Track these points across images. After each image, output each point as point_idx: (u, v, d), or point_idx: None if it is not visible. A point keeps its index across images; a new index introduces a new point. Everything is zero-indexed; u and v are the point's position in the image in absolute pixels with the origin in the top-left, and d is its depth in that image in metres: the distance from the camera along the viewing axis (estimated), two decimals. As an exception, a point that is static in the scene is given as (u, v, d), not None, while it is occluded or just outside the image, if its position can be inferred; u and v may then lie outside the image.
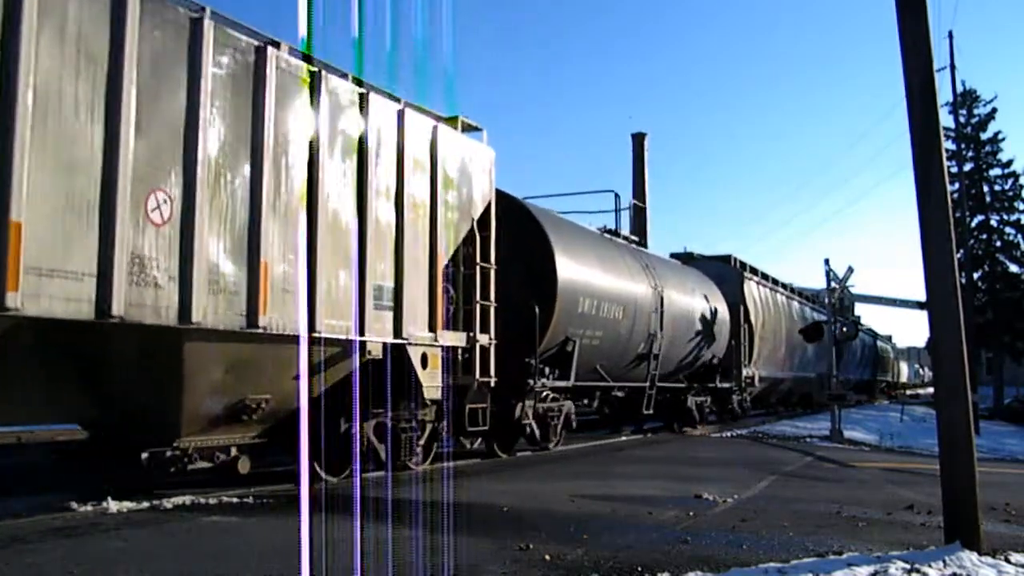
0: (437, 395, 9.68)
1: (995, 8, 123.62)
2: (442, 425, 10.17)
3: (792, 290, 30.77)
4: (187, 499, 7.30)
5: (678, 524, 7.02)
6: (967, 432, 6.02)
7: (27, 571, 4.79)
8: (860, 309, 43.85)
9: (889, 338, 65.53)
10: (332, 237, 8.08)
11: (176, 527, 6.25)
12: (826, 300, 23.60)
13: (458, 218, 10.25)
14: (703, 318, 18.92)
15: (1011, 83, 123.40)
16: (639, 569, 5.26)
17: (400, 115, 9.27)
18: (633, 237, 17.86)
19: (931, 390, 36.82)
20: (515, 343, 11.64)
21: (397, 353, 9.08)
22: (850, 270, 22.80)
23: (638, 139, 38.62)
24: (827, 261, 22.66)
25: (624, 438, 17.34)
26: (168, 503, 7.12)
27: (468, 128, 11.08)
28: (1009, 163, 43.31)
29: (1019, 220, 43.13)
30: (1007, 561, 5.64)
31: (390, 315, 8.89)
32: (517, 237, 12.19)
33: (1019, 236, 43.14)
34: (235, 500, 7.51)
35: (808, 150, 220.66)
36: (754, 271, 25.59)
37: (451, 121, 10.65)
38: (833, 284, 22.62)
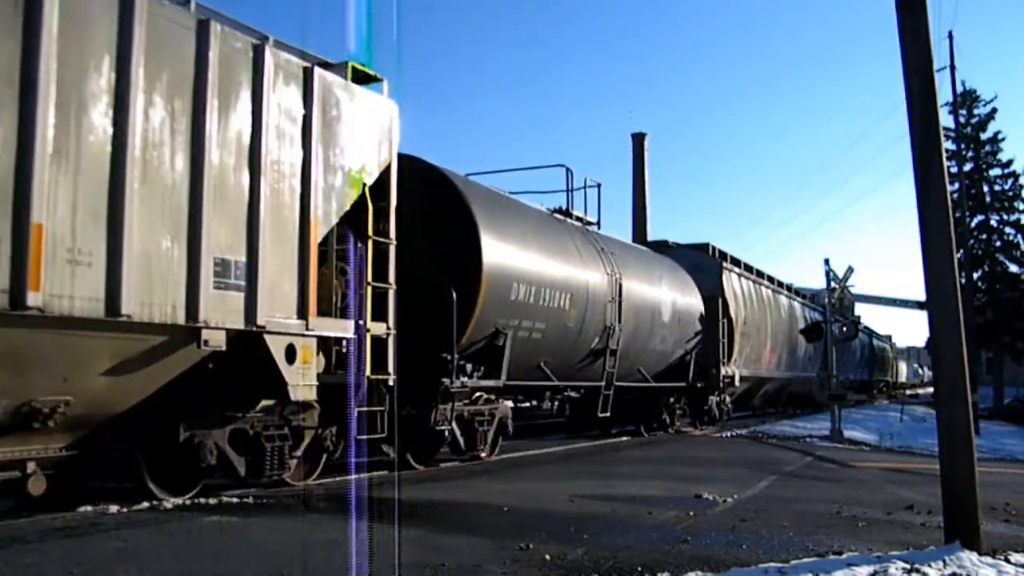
0: (310, 395, 7.84)
1: (995, 8, 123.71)
2: (327, 432, 8.58)
3: (780, 284, 28.95)
4: (187, 499, 7.29)
5: (678, 524, 7.02)
6: (967, 432, 6.02)
7: (27, 571, 4.79)
8: (860, 309, 43.85)
9: (889, 338, 65.52)
10: (151, 195, 6.35)
11: (176, 527, 6.25)
12: (826, 300, 23.52)
13: (343, 183, 8.39)
14: (673, 310, 17.20)
15: (1011, 83, 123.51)
16: (639, 569, 5.26)
17: (257, 51, 7.38)
18: (589, 218, 15.74)
19: (931, 390, 36.87)
20: (429, 335, 10.08)
21: (254, 344, 7.32)
22: (850, 270, 22.82)
23: (638, 139, 38.65)
24: (827, 261, 22.67)
25: (625, 438, 17.30)
26: (168, 503, 7.12)
27: (364, 78, 9.05)
28: (1009, 163, 43.32)
29: (1019, 220, 43.13)
30: (1007, 561, 5.64)
31: (240, 296, 7.07)
32: (434, 211, 10.69)
33: (1019, 236, 43.14)
34: (235, 500, 7.51)
35: (808, 150, 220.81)
36: (736, 262, 23.77)
37: (340, 68, 8.78)
38: (833, 284, 22.60)
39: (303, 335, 7.75)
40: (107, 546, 5.48)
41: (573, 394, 14.62)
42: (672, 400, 18.71)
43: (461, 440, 10.99)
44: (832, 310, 23.14)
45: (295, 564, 5.10)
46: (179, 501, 7.21)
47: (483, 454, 11.59)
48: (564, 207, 14.88)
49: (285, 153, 7.66)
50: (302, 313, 7.72)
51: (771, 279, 27.73)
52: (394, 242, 9.04)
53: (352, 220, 8.63)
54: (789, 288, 30.34)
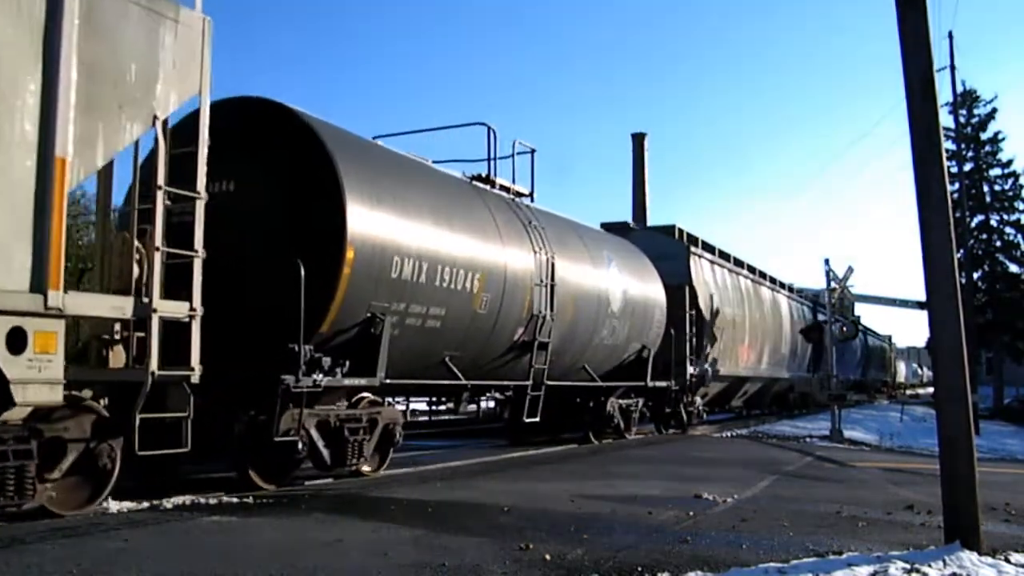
0: (49, 396, 5.91)
1: (995, 8, 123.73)
2: (105, 446, 6.64)
3: (764, 276, 27.05)
4: (187, 499, 7.30)
5: (678, 524, 7.02)
6: (967, 432, 6.02)
7: (27, 571, 4.79)
8: (860, 309, 43.87)
9: (889, 338, 65.52)
10: None
11: (176, 527, 6.26)
12: (826, 299, 23.49)
13: (121, 105, 6.51)
14: (625, 299, 14.81)
15: (1011, 83, 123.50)
16: (639, 569, 5.26)
17: None
18: (520, 188, 13.27)
19: (931, 390, 36.91)
20: (273, 321, 7.96)
21: None
22: (850, 270, 22.83)
23: (638, 139, 38.71)
24: (827, 261, 22.69)
25: (629, 438, 17.28)
26: (168, 503, 7.13)
27: None
28: (1009, 163, 43.40)
29: (1019, 220, 43.21)
30: (1007, 561, 5.64)
31: None
32: (281, 164, 8.59)
33: (1019, 236, 43.21)
34: (235, 500, 7.52)
35: (808, 150, 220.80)
36: (708, 248, 21.84)
37: None
38: (833, 284, 22.61)
39: (41, 315, 5.86)
40: (107, 546, 5.48)
41: (498, 395, 12.94)
42: (628, 402, 16.16)
43: (325, 453, 8.72)
44: (832, 310, 23.07)
45: (295, 564, 5.10)
46: (179, 501, 7.21)
47: (366, 468, 9.57)
48: (486, 174, 12.55)
49: (10, 69, 5.73)
50: (39, 285, 5.83)
51: (752, 269, 25.68)
52: (203, 196, 7.17)
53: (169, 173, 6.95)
54: (774, 281, 28.52)
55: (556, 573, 5.14)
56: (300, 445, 8.30)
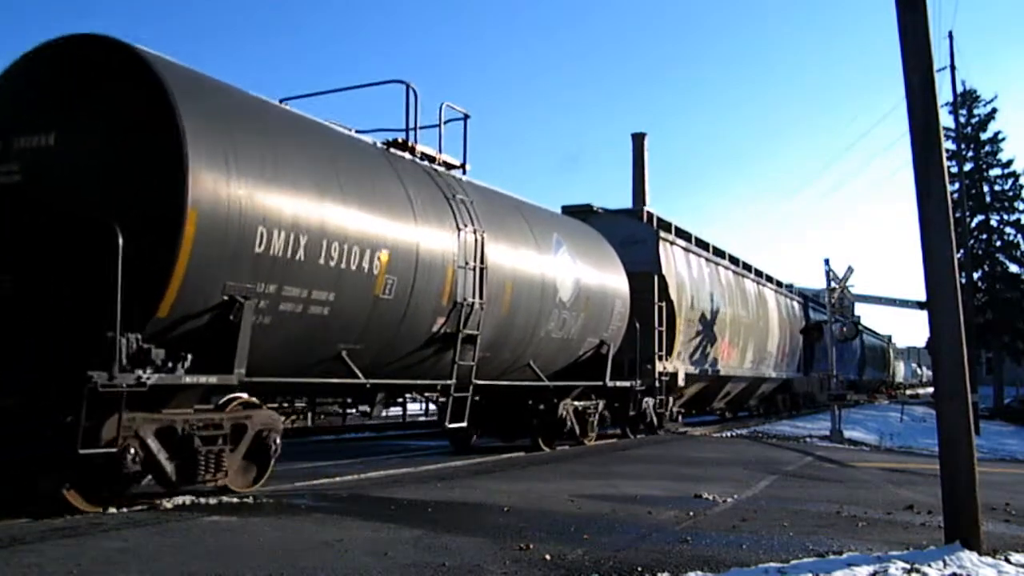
0: None
1: (995, 8, 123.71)
2: None
3: (749, 268, 25.24)
4: (187, 499, 7.29)
5: (678, 524, 7.02)
6: (967, 432, 6.02)
7: (27, 571, 4.79)
8: (860, 309, 43.83)
9: (889, 338, 65.52)
10: None
11: (176, 527, 6.25)
12: (826, 300, 23.47)
13: None
14: (578, 288, 13.16)
15: (1011, 83, 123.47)
16: (639, 569, 5.26)
17: None
18: (449, 158, 11.49)
19: (930, 390, 36.92)
20: (93, 302, 6.49)
21: None
22: (850, 270, 22.82)
23: (638, 139, 38.66)
24: (827, 261, 22.69)
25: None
26: (168, 503, 7.12)
27: None
28: (1009, 163, 43.50)
29: (1019, 220, 43.27)
30: (1007, 561, 5.64)
31: None
32: (108, 107, 7.02)
33: (1019, 236, 43.26)
34: (235, 500, 7.51)
35: (808, 150, 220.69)
36: (683, 234, 19.93)
37: None
38: (833, 284, 22.60)
39: None
40: (107, 546, 5.47)
41: (430, 396, 11.64)
42: (584, 405, 14.35)
43: (168, 467, 7.06)
44: (832, 310, 23.04)
45: (295, 564, 5.10)
46: (179, 501, 7.21)
47: (233, 484, 7.77)
48: (404, 139, 10.72)
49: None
50: None
51: (736, 260, 23.82)
52: None
53: None
54: (760, 274, 26.58)
55: (556, 573, 5.14)
56: (130, 457, 6.61)
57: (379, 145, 10.36)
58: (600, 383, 14.25)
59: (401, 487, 8.78)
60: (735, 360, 22.43)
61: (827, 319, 23.38)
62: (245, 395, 8.04)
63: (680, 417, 19.76)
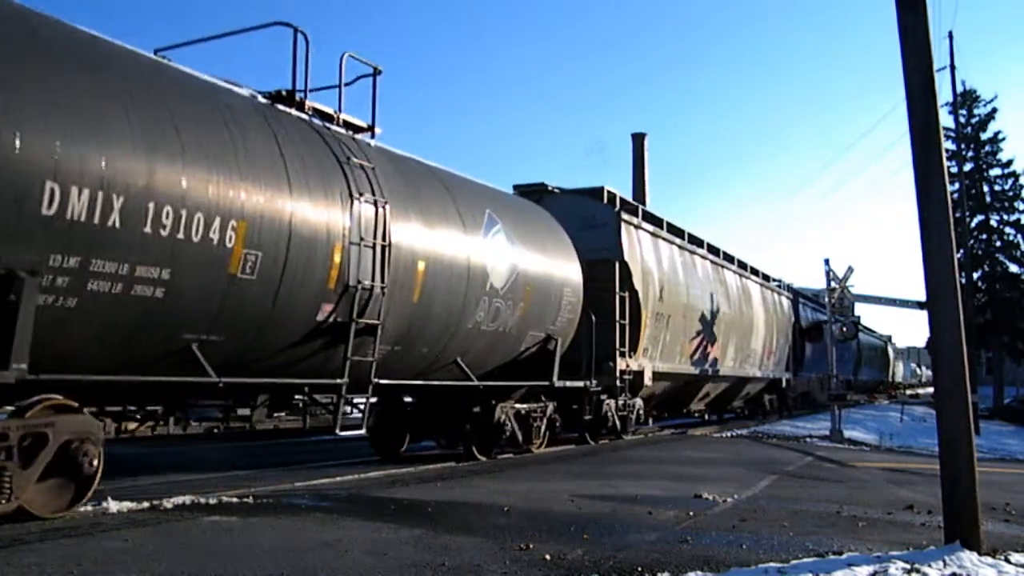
0: None
1: (995, 8, 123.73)
2: None
3: (732, 260, 23.33)
4: (187, 499, 7.30)
5: (678, 524, 7.02)
6: (967, 432, 6.02)
7: (27, 571, 4.79)
8: (860, 309, 43.79)
9: (888, 338, 65.52)
10: None
11: (176, 527, 6.25)
12: (826, 300, 23.44)
13: None
14: (514, 273, 11.45)
15: (1011, 83, 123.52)
16: (639, 569, 5.26)
17: None
18: (351, 118, 9.82)
19: (930, 390, 36.83)
20: None
21: None
22: (850, 270, 22.82)
23: (638, 139, 38.72)
24: (827, 261, 22.69)
25: (626, 438, 17.21)
26: (168, 503, 7.13)
27: None
28: (1009, 163, 43.48)
29: (1019, 220, 43.25)
30: (1007, 561, 5.65)
31: None
32: None
33: (1019, 236, 43.25)
34: (235, 500, 7.51)
35: (808, 149, 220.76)
36: (652, 218, 18.10)
37: None
38: (833, 284, 22.60)
39: None
40: (107, 546, 5.48)
41: (322, 398, 9.46)
42: (529, 407, 12.67)
43: None
44: (832, 310, 23.02)
45: (295, 564, 5.10)
46: (179, 501, 7.21)
47: (37, 510, 6.25)
48: (291, 92, 9.06)
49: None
50: None
51: (716, 251, 21.94)
52: None
53: None
54: (745, 266, 24.52)
55: (556, 573, 5.14)
56: None
57: (260, 99, 8.72)
58: (547, 383, 12.60)
59: (401, 487, 8.78)
60: (714, 358, 20.78)
61: (827, 318, 23.32)
62: (59, 397, 6.46)
63: (651, 420, 18.23)
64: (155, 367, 7.23)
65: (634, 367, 15.60)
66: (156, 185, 6.67)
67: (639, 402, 16.32)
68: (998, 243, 43.12)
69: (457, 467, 10.99)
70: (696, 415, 24.57)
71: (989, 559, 5.64)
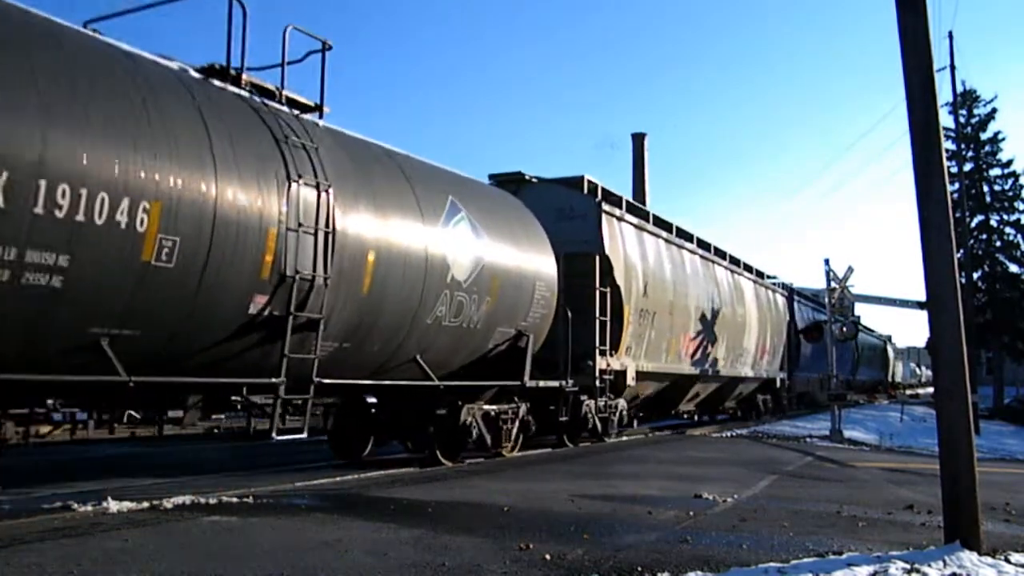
0: None
1: (995, 8, 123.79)
2: None
3: (724, 256, 22.42)
4: (187, 499, 7.30)
5: (678, 524, 7.02)
6: (967, 432, 6.02)
7: (27, 571, 4.79)
8: (860, 309, 43.77)
9: (888, 338, 65.52)
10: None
11: (176, 527, 6.25)
12: (826, 300, 23.43)
13: None
14: (478, 266, 10.68)
15: (1011, 83, 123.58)
16: (639, 569, 5.26)
17: None
18: (296, 95, 9.14)
19: (930, 390, 36.79)
20: None
21: None
22: (850, 270, 22.82)
23: (638, 139, 38.74)
24: (827, 261, 22.69)
25: (626, 438, 17.23)
26: (168, 503, 7.13)
27: None
28: (1009, 163, 43.52)
29: (1019, 220, 43.30)
30: (1007, 561, 5.65)
31: None
32: None
33: (1019, 236, 43.29)
34: (235, 500, 7.51)
35: (808, 149, 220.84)
36: (637, 210, 17.36)
37: None
38: (833, 284, 22.60)
39: None
40: (107, 546, 5.48)
41: (258, 399, 8.53)
42: (499, 409, 11.90)
43: None
44: (832, 310, 23.01)
45: (295, 564, 5.10)
46: (179, 501, 7.21)
47: None
48: (225, 66, 8.36)
49: None
50: None
51: (706, 245, 21.12)
52: None
53: None
54: (737, 263, 23.69)
55: (556, 573, 5.15)
56: None
57: (192, 73, 8.05)
58: (518, 383, 11.81)
59: (401, 487, 8.77)
60: (704, 357, 19.95)
61: (827, 318, 23.30)
62: None
63: (636, 422, 17.48)
64: (59, 365, 6.58)
65: (616, 366, 14.89)
66: (50, 160, 6.01)
67: (622, 403, 15.61)
68: (998, 243, 43.14)
69: (458, 467, 10.98)
70: (686, 416, 23.72)
71: (989, 559, 5.64)
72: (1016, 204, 43.34)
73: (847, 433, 21.40)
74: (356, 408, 11.28)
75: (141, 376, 6.93)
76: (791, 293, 30.68)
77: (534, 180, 15.47)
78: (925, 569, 5.31)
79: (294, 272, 7.98)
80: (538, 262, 12.20)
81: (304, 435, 8.68)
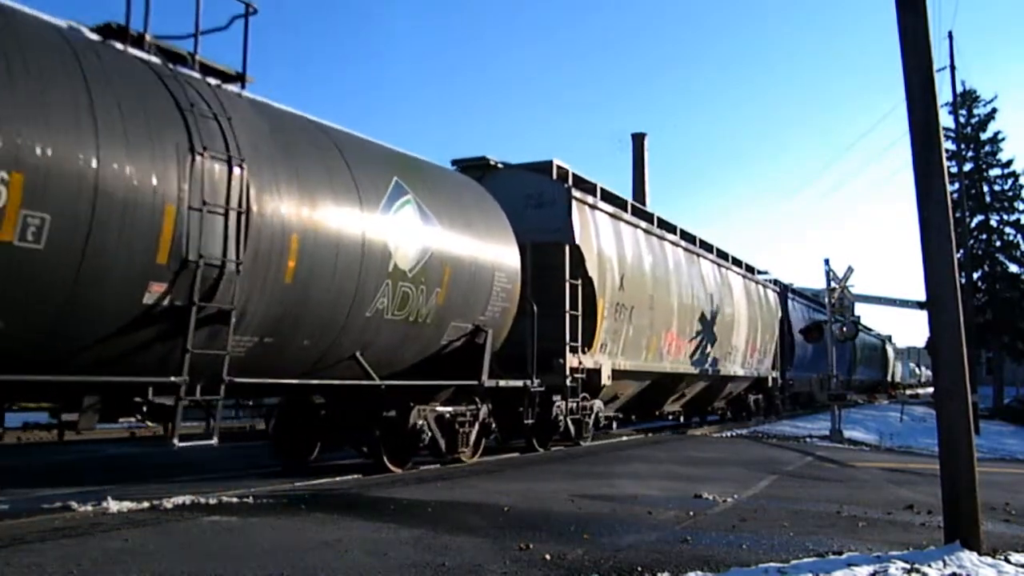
0: None
1: (995, 8, 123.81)
2: None
3: (711, 249, 21.45)
4: (187, 499, 7.30)
5: (678, 524, 7.02)
6: (967, 432, 6.02)
7: (27, 571, 4.79)
8: (860, 309, 43.69)
9: (888, 337, 65.54)
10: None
11: (176, 527, 6.26)
12: (826, 300, 23.41)
13: None
14: (425, 254, 9.74)
15: (1011, 83, 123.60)
16: (639, 569, 5.26)
17: None
18: (212, 63, 8.16)
19: (930, 389, 36.76)
20: None
21: None
22: (850, 270, 22.81)
23: (638, 139, 38.74)
24: (827, 261, 22.67)
25: (626, 438, 17.25)
26: (168, 503, 7.13)
27: None
28: (1009, 163, 43.54)
29: (1019, 220, 43.31)
30: (1007, 561, 5.65)
31: None
32: None
33: (1019, 236, 43.30)
34: (235, 500, 7.51)
35: (808, 149, 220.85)
36: (612, 198, 16.04)
37: None
38: (833, 284, 22.59)
39: None
40: (107, 546, 5.48)
41: (168, 400, 7.22)
42: (454, 411, 10.90)
43: None
44: (832, 310, 23.00)
45: (295, 564, 5.10)
46: (179, 501, 7.21)
47: None
48: (124, 25, 7.36)
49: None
50: None
51: (691, 237, 20.14)
52: None
53: None
54: (725, 256, 22.76)
55: (556, 573, 5.15)
56: None
57: (85, 32, 7.15)
58: (475, 382, 10.87)
59: (401, 487, 8.77)
60: (688, 355, 18.85)
61: (826, 318, 23.28)
62: None
63: (615, 424, 16.51)
64: None
65: (589, 364, 13.93)
66: None
67: (598, 404, 14.63)
68: (998, 243, 43.16)
69: (456, 467, 10.97)
70: (671, 417, 22.33)
71: (989, 559, 5.64)
72: (1016, 204, 43.36)
73: (847, 433, 21.40)
74: (301, 409, 10.45)
75: (13, 375, 6.10)
76: (784, 289, 29.82)
77: (500, 166, 14.50)
78: (925, 569, 5.31)
79: (198, 257, 7.02)
80: (498, 251, 11.29)
81: (213, 441, 7.54)
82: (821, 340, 24.10)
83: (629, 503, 8.10)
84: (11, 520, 6.28)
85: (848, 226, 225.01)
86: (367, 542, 5.83)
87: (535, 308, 12.39)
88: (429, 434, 10.37)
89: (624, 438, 17.31)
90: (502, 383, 11.50)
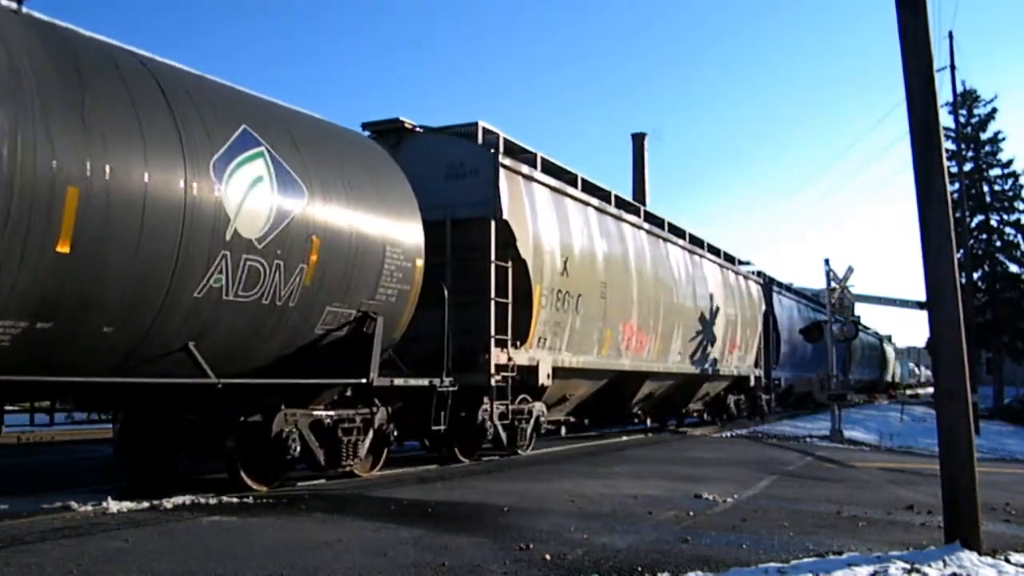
0: None
1: (995, 8, 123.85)
2: None
3: (680, 233, 19.31)
4: (187, 499, 7.30)
5: (678, 524, 7.02)
6: (967, 432, 6.02)
7: (27, 571, 4.79)
8: (860, 309, 43.73)
9: (888, 337, 65.55)
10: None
11: (176, 527, 6.26)
12: (826, 300, 23.40)
13: None
14: (287, 221, 7.77)
15: (1011, 83, 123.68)
16: (639, 569, 5.26)
17: None
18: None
19: (929, 389, 36.63)
20: None
21: None
22: (850, 270, 22.80)
23: (638, 139, 38.71)
24: (827, 261, 22.66)
25: (625, 438, 17.20)
26: (168, 503, 7.13)
27: None
28: (1009, 163, 43.53)
29: (1019, 220, 43.31)
30: (1007, 561, 5.64)
31: None
32: None
33: (1019, 236, 43.30)
34: (235, 500, 7.51)
35: (808, 149, 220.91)
36: (555, 170, 13.80)
37: None
38: (833, 284, 22.59)
39: None
40: (107, 546, 5.48)
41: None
42: (341, 416, 9.03)
43: None
44: (832, 310, 22.99)
45: (295, 564, 5.10)
46: (179, 501, 7.21)
47: None
48: None
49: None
50: None
51: (655, 219, 17.94)
52: None
53: None
54: (700, 242, 20.58)
55: (556, 573, 5.14)
56: None
57: None
58: (361, 380, 8.92)
59: (401, 487, 8.78)
60: (652, 350, 16.69)
61: (827, 318, 23.28)
62: None
63: (563, 429, 14.65)
64: None
65: (522, 361, 11.83)
66: None
67: (539, 407, 12.69)
68: (998, 243, 43.16)
69: (456, 467, 10.95)
70: (637, 421, 19.67)
71: (989, 559, 5.64)
72: (1016, 204, 43.35)
73: (847, 433, 21.39)
74: (154, 415, 8.51)
75: None
76: (768, 282, 27.48)
77: (419, 129, 12.40)
78: (925, 569, 5.31)
79: None
80: (392, 224, 9.33)
81: None
82: (821, 340, 24.06)
83: (629, 503, 8.10)
84: (11, 520, 6.28)
85: (848, 226, 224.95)
86: (367, 542, 5.83)
87: (446, 294, 10.50)
88: (299, 444, 8.39)
89: (624, 438, 17.27)
90: (399, 382, 9.60)
